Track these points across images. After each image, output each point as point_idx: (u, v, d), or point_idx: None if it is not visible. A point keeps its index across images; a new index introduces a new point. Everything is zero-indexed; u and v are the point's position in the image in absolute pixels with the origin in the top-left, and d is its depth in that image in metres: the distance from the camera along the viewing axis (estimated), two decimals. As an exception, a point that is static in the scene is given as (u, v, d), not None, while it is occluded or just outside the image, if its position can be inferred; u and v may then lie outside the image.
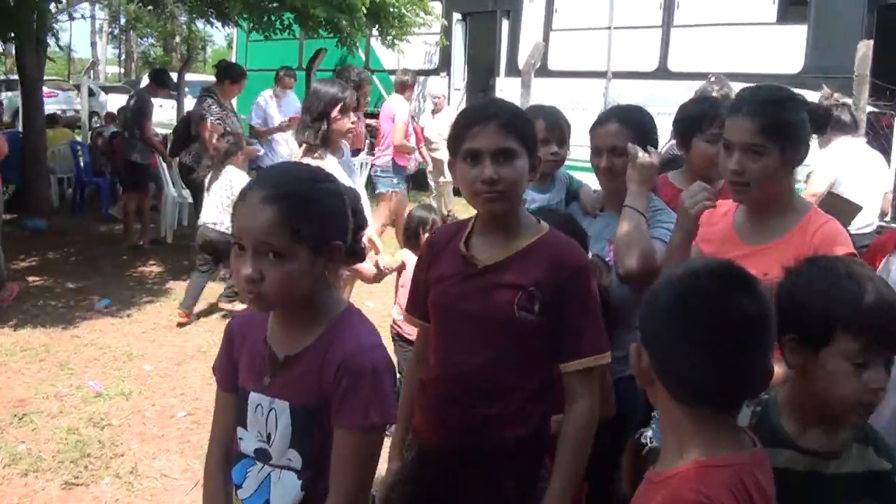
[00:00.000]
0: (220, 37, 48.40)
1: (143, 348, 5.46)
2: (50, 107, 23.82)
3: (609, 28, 10.91)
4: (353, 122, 4.07)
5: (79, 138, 13.03)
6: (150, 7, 10.36)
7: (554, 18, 11.81)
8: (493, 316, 2.01)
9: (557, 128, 3.02)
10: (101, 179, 10.73)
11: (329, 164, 3.89)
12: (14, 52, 9.07)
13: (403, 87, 8.75)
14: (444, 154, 9.28)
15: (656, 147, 2.67)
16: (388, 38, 10.75)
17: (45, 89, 24.22)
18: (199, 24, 46.45)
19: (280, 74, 9.70)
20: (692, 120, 3.10)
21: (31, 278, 7.22)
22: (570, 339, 2.01)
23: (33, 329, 5.74)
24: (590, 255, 2.36)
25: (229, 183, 6.04)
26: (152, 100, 8.81)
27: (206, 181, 6.34)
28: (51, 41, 9.41)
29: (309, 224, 1.56)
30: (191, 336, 5.78)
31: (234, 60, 17.54)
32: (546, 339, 2.02)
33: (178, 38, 44.45)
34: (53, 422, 4.29)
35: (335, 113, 3.97)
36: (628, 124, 2.64)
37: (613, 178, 2.65)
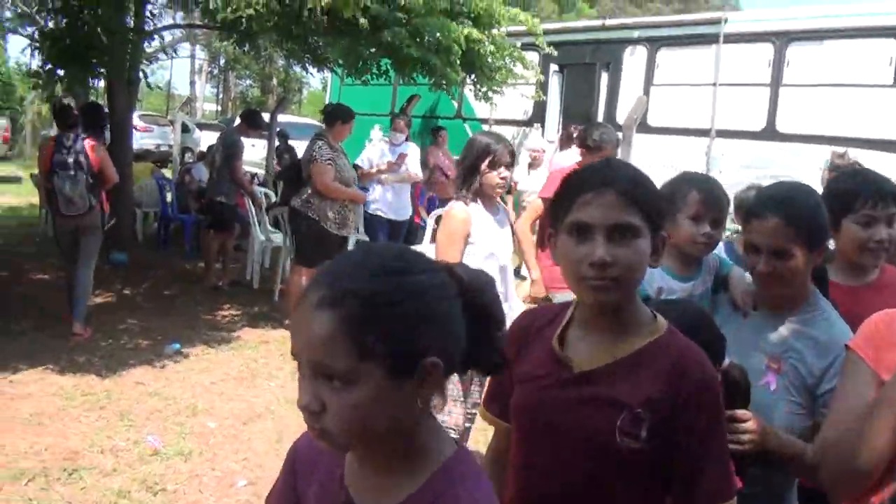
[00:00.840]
0: (316, 80, 49.26)
1: (209, 402, 5.10)
2: (145, 141, 24.56)
3: (714, 84, 10.43)
4: (502, 178, 3.76)
5: (168, 173, 13.02)
6: (245, 48, 10.24)
7: (655, 73, 11.34)
8: (587, 437, 1.58)
9: (715, 203, 2.46)
10: (186, 216, 10.61)
11: (477, 217, 3.73)
12: (104, 87, 8.98)
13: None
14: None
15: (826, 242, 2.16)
16: (482, 88, 10.40)
17: (142, 124, 25.28)
18: (297, 67, 47.47)
19: (396, 119, 9.44)
20: (844, 197, 2.44)
21: (104, 315, 7.02)
22: (685, 480, 1.56)
23: (98, 372, 5.46)
24: (726, 361, 1.88)
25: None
26: (242, 139, 8.63)
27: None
28: (143, 78, 9.32)
29: (384, 336, 1.09)
30: (261, 391, 5.40)
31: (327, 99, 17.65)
32: (654, 469, 1.56)
33: (274, 80, 45.33)
34: (105, 481, 3.93)
35: (484, 166, 3.71)
36: (796, 221, 2.05)
37: (775, 286, 2.12)
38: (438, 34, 8.76)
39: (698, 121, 10.53)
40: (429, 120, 13.86)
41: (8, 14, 28.26)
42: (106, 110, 7.71)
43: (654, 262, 1.61)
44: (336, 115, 7.38)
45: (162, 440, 4.42)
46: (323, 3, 8.82)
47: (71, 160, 6.22)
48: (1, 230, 11.69)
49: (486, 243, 3.71)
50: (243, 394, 5.29)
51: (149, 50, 30.19)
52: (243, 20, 9.63)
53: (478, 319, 1.21)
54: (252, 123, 8.76)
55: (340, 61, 10.36)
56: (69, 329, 6.33)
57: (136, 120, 25.47)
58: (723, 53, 10.41)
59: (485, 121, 13.26)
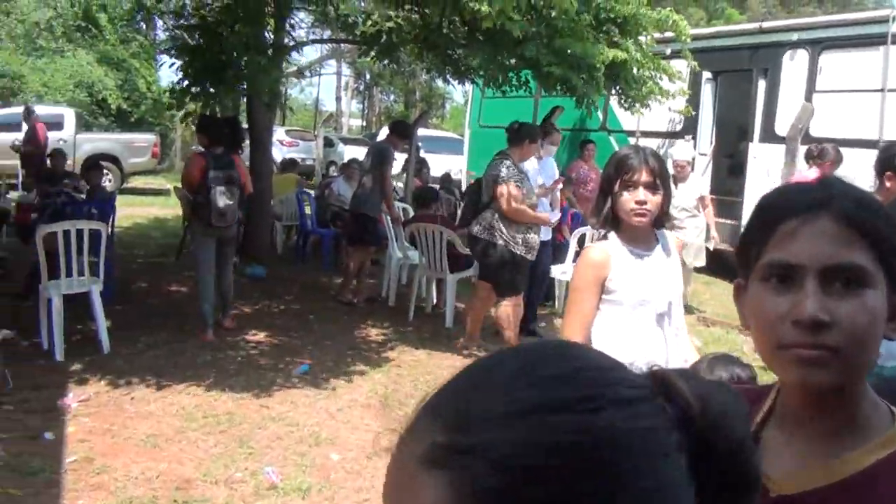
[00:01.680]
0: (458, 94, 49.48)
1: (334, 430, 4.83)
2: (290, 155, 25.11)
3: (882, 90, 9.50)
4: (638, 202, 2.70)
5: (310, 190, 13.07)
6: (386, 62, 10.10)
7: (818, 79, 10.46)
8: None
9: None
10: (325, 230, 10.55)
11: (617, 256, 2.79)
12: (245, 104, 9.02)
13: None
14: (690, 234, 8.27)
15: None
16: (628, 100, 9.85)
17: (288, 139, 25.85)
18: (438, 81, 47.96)
19: (551, 130, 8.98)
20: None
21: (235, 330, 6.94)
22: None
23: (222, 392, 5.30)
24: None
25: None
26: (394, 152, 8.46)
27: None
28: (282, 94, 9.31)
29: None
30: (390, 421, 5.09)
31: (468, 117, 17.48)
32: None
33: (418, 95, 45.83)
34: (217, 517, 3.71)
35: (617, 186, 2.74)
36: None
37: None
38: (580, 52, 8.33)
39: (865, 130, 9.61)
40: (573, 133, 13.37)
41: (161, 35, 29.86)
42: (245, 126, 7.70)
43: (893, 330, 1.03)
44: (523, 134, 7.03)
45: (280, 473, 4.15)
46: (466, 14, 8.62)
47: (226, 175, 6.46)
48: (145, 241, 12.02)
49: (633, 289, 2.78)
50: (370, 423, 4.99)
51: (295, 67, 31.08)
52: (383, 33, 9.55)
53: (718, 486, 0.63)
54: (402, 134, 8.56)
55: (481, 72, 10.06)
56: (200, 344, 6.28)
57: (282, 135, 26.38)
58: (892, 55, 9.47)
59: (632, 133, 12.67)
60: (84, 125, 20.09)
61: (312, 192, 11.86)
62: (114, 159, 18.85)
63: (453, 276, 7.52)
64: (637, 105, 9.86)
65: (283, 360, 6.14)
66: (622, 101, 9.95)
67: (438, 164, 19.41)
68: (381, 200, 8.17)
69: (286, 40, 9.36)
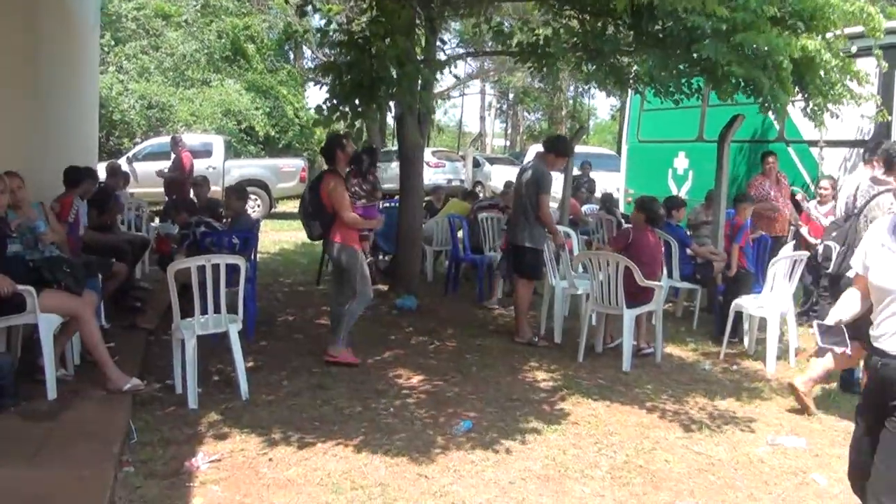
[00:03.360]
0: (603, 111, 48.23)
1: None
2: (437, 176, 24.72)
3: None
4: None
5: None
6: (542, 74, 9.27)
7: None
8: None
9: None
10: (479, 256, 9.76)
11: None
12: (395, 122, 8.39)
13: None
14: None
15: None
16: (815, 105, 8.59)
17: (434, 159, 25.46)
18: (585, 98, 47.05)
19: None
20: None
21: (382, 371, 6.25)
22: None
23: (373, 454, 4.56)
24: None
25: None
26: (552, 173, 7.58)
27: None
28: (434, 111, 8.66)
29: None
30: (572, 499, 4.19)
31: (626, 132, 16.42)
32: None
33: (563, 112, 44.85)
34: None
35: None
36: None
37: None
38: (767, 48, 7.25)
39: None
40: (749, 144, 12.13)
41: (310, 64, 30.19)
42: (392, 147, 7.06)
43: None
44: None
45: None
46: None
47: None
48: (291, 268, 11.67)
49: None
50: (548, 502, 4.12)
51: (440, 88, 30.77)
52: (540, 42, 8.75)
53: None
54: (561, 151, 7.62)
55: (647, 79, 9.10)
56: (349, 390, 5.64)
57: (428, 156, 26.03)
58: None
59: (814, 143, 11.31)
60: (233, 152, 20.33)
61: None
62: (262, 185, 18.92)
63: (631, 311, 6.58)
64: (826, 111, 8.61)
65: (442, 411, 5.35)
66: (811, 107, 8.71)
67: (600, 181, 18.42)
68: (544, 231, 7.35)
69: (438, 55, 8.73)
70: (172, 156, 14.77)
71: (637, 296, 6.61)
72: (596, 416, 5.37)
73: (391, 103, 7.62)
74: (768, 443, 5.06)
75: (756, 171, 12.25)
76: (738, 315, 7.31)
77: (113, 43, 23.38)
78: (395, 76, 6.89)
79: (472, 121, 52.90)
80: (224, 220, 7.89)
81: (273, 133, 24.14)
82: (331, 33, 7.27)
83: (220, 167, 18.77)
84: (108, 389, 5.35)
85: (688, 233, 8.85)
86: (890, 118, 10.13)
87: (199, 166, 18.23)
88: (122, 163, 18.00)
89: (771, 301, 6.96)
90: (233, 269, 5.65)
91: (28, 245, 5.55)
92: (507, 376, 6.26)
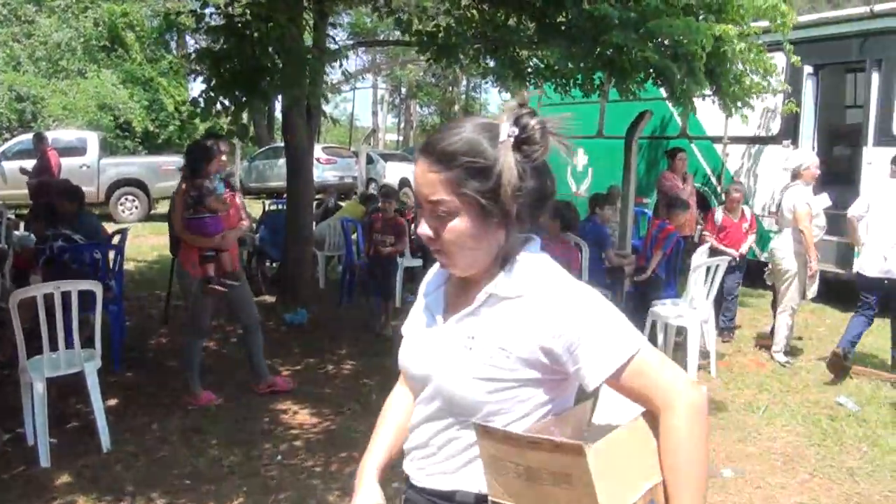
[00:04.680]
0: (494, 105, 48.08)
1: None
2: (327, 173, 23.81)
3: None
4: None
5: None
6: (442, 65, 8.63)
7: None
8: None
9: None
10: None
11: None
12: (282, 117, 7.59)
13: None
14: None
15: None
16: (727, 99, 8.22)
17: (325, 156, 24.50)
18: (478, 92, 46.74)
19: None
20: None
21: (275, 406, 5.47)
22: None
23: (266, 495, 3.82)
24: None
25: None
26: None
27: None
28: (324, 106, 7.88)
29: None
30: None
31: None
32: None
33: (456, 107, 44.41)
34: None
35: None
36: None
37: None
38: (680, 37, 6.81)
39: None
40: (649, 141, 11.79)
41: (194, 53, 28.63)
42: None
43: None
44: None
45: None
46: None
47: None
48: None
49: None
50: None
51: (331, 81, 29.82)
52: (440, 32, 8.11)
53: None
54: None
55: (548, 73, 8.61)
56: (227, 436, 4.84)
57: (319, 152, 25.07)
58: None
59: (718, 139, 11.07)
60: (109, 149, 18.98)
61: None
62: (140, 184, 17.68)
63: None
64: (738, 105, 8.26)
65: (336, 455, 4.61)
66: (721, 101, 8.35)
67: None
68: None
69: (328, 44, 7.98)
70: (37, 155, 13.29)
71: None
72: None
73: (278, 96, 6.80)
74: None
75: (656, 169, 11.99)
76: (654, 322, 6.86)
77: (-21, 29, 21.60)
78: (279, 65, 6.13)
79: (364, 115, 52.05)
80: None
81: (152, 128, 22.73)
82: (207, 16, 6.40)
83: (94, 165, 17.42)
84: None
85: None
86: (798, 111, 9.95)
87: (72, 164, 16.91)
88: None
89: (690, 309, 6.54)
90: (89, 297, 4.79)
91: None
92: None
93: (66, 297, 4.54)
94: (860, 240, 6.79)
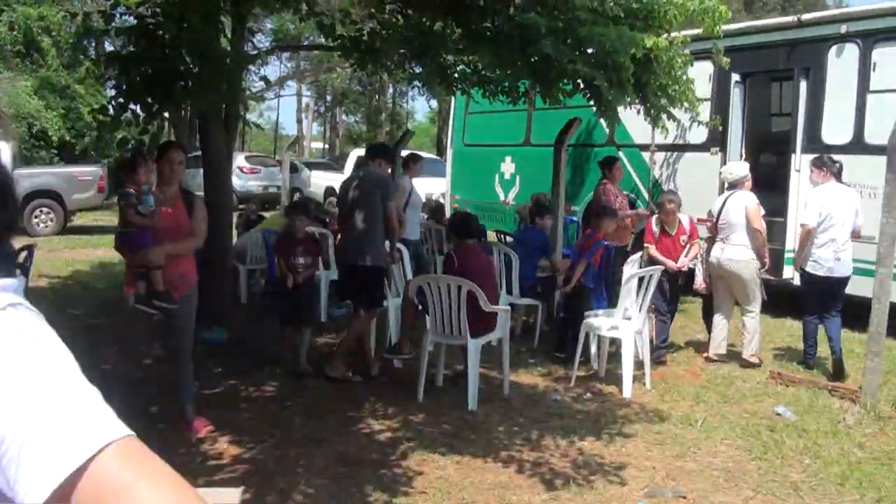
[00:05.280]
0: (421, 112, 48.01)
1: None
2: (251, 183, 23.29)
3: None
4: None
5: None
6: (367, 71, 8.38)
7: (872, 77, 8.93)
8: None
9: None
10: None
11: None
12: (198, 125, 7.22)
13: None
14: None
15: None
16: (653, 108, 8.16)
17: (248, 165, 23.96)
18: (404, 100, 46.59)
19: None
20: None
21: (191, 436, 5.13)
22: None
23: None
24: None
25: None
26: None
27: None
28: (243, 114, 7.56)
29: None
30: None
31: (450, 135, 15.78)
32: None
33: (383, 115, 44.14)
34: None
35: None
36: None
37: None
38: (609, 47, 6.69)
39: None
40: (575, 149, 11.70)
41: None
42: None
43: None
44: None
45: None
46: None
47: None
48: (85, 295, 10.12)
49: None
50: None
51: (255, 89, 29.23)
52: (364, 37, 7.87)
53: None
54: (390, 158, 7.02)
55: (475, 78, 8.45)
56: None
57: (242, 161, 24.53)
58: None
59: (645, 147, 11.07)
60: (23, 160, 18.17)
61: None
62: (56, 195, 16.93)
63: (476, 341, 5.80)
64: (663, 116, 8.22)
65: (265, 491, 4.29)
66: (648, 110, 8.28)
67: (419, 188, 17.66)
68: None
69: (247, 49, 7.66)
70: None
71: (481, 323, 5.84)
72: (446, 478, 4.50)
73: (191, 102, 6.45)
74: (645, 496, 4.39)
75: (582, 177, 11.96)
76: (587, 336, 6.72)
77: None
78: (193, 69, 5.81)
79: (289, 123, 51.35)
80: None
81: (69, 138, 21.91)
82: (117, 17, 6.04)
83: (6, 177, 16.61)
84: None
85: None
86: (720, 126, 9.98)
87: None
88: None
89: (624, 321, 6.42)
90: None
91: None
92: (338, 429, 5.27)
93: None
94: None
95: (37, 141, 21.52)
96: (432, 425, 5.37)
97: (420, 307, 6.18)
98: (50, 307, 9.08)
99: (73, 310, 9.23)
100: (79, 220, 18.34)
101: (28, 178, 16.92)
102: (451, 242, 6.57)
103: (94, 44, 26.72)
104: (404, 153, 10.85)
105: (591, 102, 7.61)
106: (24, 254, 6.79)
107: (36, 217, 16.83)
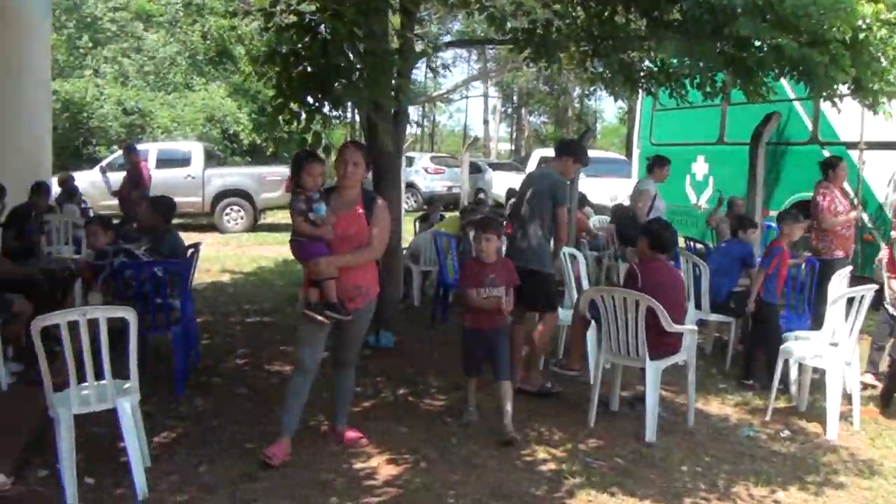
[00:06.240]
0: (610, 111, 46.91)
1: None
2: (436, 183, 23.35)
3: None
4: None
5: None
6: (541, 66, 7.86)
7: None
8: None
9: None
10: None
11: None
12: (367, 123, 6.97)
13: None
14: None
15: None
16: (868, 95, 7.12)
17: (433, 165, 24.04)
18: (591, 100, 45.61)
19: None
20: None
21: (342, 450, 4.82)
22: None
23: None
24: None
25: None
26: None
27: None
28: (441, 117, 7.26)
29: None
30: None
31: (637, 135, 14.98)
32: None
33: (570, 113, 43.36)
34: None
35: None
36: None
37: None
38: (820, 19, 5.81)
39: None
40: (773, 147, 10.65)
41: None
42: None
43: None
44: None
45: None
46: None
47: None
48: (264, 292, 10.21)
49: None
50: None
51: (441, 91, 29.36)
52: (538, 29, 7.37)
53: None
54: (579, 156, 6.31)
55: (661, 77, 7.75)
56: (278, 490, 4.20)
57: (427, 161, 24.65)
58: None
59: (853, 145, 9.86)
60: (216, 160, 19.05)
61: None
62: (246, 195, 17.59)
63: (656, 363, 5.15)
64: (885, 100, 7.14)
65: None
66: (862, 97, 7.24)
67: (601, 190, 16.97)
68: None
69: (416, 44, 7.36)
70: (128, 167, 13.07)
71: (663, 344, 5.18)
72: None
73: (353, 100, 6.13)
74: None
75: (780, 178, 10.96)
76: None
77: (91, 45, 22.11)
78: (355, 66, 5.51)
79: (478, 125, 51.64)
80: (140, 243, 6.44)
81: (259, 140, 22.79)
82: (277, 14, 5.86)
83: (199, 176, 17.48)
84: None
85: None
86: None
87: (177, 175, 17.02)
88: (96, 172, 16.75)
89: (830, 347, 5.53)
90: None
91: None
92: (496, 453, 4.80)
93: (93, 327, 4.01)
94: None
95: (230, 143, 22.50)
96: (604, 457, 4.78)
97: (592, 321, 5.61)
98: (228, 301, 9.35)
99: (249, 304, 9.31)
100: (268, 218, 19.00)
101: (220, 178, 17.73)
102: (636, 253, 5.83)
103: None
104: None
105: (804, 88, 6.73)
106: (191, 251, 6.76)
107: (227, 215, 17.54)
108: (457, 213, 11.51)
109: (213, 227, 17.26)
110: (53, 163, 14.66)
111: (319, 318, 4.48)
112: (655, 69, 7.96)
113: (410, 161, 22.57)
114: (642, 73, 8.16)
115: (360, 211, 4.58)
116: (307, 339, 4.61)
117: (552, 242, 6.02)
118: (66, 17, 23.96)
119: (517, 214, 6.20)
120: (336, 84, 5.49)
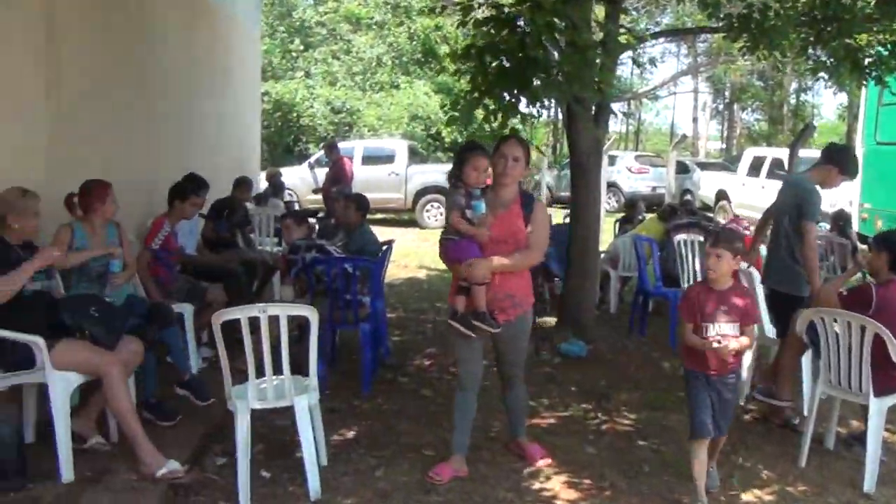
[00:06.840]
0: (828, 108, 43.78)
1: None
2: (639, 183, 22.58)
3: None
4: None
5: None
6: (758, 55, 7.24)
7: None
8: None
9: None
10: (671, 291, 7.67)
11: None
12: (566, 119, 6.67)
13: None
14: None
15: None
16: None
17: (637, 164, 23.29)
18: (808, 95, 42.82)
19: None
20: None
21: (523, 467, 4.53)
22: None
23: None
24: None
25: None
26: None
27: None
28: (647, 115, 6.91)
29: None
30: None
31: (860, 132, 13.75)
32: None
33: (785, 110, 40.90)
34: None
35: None
36: None
37: None
38: None
39: None
40: None
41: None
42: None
43: None
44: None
45: None
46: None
47: None
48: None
49: None
50: None
51: (648, 87, 28.48)
52: (755, 14, 6.77)
53: None
54: (846, 168, 5.29)
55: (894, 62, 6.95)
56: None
57: (631, 160, 23.92)
58: None
59: None
60: (419, 158, 19.45)
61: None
62: (445, 192, 17.74)
63: (882, 400, 4.48)
64: None
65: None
66: None
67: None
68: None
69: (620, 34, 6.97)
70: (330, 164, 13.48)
71: (892, 378, 4.49)
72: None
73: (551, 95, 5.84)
74: None
75: None
76: None
77: (302, 48, 23.23)
78: (553, 58, 5.24)
79: (686, 122, 49.82)
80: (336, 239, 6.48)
81: (460, 140, 23.03)
82: (475, 7, 5.69)
83: (402, 173, 17.95)
84: (139, 473, 4.07)
85: None
86: None
87: (381, 172, 17.53)
88: (304, 168, 17.55)
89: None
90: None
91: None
92: (688, 486, 4.33)
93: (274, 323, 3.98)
94: None
95: (433, 140, 22.88)
96: (815, 504, 4.21)
97: (810, 346, 4.99)
98: (422, 297, 9.34)
99: (441, 302, 9.23)
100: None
101: (421, 175, 18.07)
102: (873, 266, 4.82)
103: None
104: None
105: None
106: (384, 247, 6.73)
107: (427, 211, 17.86)
108: (654, 215, 10.92)
109: (414, 223, 17.62)
110: (266, 159, 15.44)
111: (465, 330, 4.17)
112: (886, 53, 7.14)
113: (613, 160, 21.94)
114: (870, 60, 7.34)
115: (518, 211, 4.21)
116: (462, 354, 4.34)
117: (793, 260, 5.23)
118: (279, 23, 25.36)
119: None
120: (534, 79, 5.24)
